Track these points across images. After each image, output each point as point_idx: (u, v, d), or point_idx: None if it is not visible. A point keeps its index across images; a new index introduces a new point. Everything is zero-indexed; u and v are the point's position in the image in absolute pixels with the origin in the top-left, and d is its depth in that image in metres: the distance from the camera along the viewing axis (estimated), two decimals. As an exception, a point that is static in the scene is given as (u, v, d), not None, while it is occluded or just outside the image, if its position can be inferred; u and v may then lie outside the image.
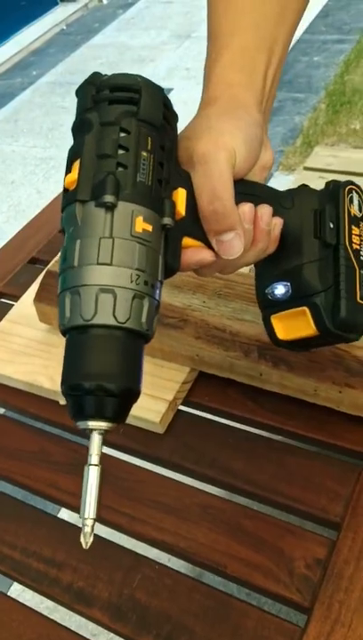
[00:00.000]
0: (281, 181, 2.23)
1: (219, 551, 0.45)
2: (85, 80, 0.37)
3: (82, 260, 0.32)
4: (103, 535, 0.48)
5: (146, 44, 3.40)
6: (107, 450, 0.54)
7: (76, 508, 0.50)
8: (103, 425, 0.33)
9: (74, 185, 0.33)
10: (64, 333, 0.34)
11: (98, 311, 0.32)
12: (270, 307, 0.44)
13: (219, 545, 0.45)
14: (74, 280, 0.33)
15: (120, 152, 0.33)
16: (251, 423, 0.53)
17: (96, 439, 0.33)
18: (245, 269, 0.61)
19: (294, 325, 0.42)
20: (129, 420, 0.54)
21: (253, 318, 0.52)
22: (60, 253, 0.34)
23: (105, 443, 0.54)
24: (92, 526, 0.32)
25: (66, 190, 0.34)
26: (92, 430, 0.33)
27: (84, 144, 0.34)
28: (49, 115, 2.99)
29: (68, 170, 0.34)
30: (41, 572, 0.46)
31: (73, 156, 0.34)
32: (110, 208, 0.33)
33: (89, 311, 0.32)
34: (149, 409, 0.53)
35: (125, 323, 0.32)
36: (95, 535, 0.48)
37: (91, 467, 0.33)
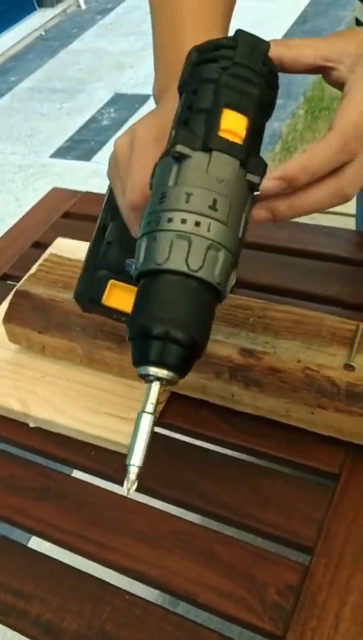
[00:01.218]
0: (261, 188, 2.23)
1: (191, 579, 0.44)
2: None
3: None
4: (72, 564, 0.47)
5: (125, 49, 3.40)
6: (76, 474, 0.53)
7: (47, 537, 0.49)
8: (164, 373, 0.32)
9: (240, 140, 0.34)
10: (137, 279, 0.34)
11: (171, 257, 0.32)
12: (116, 272, 0.47)
13: (191, 573, 0.44)
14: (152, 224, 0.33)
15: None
16: (224, 444, 0.52)
17: (155, 387, 0.33)
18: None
19: (128, 300, 0.42)
20: (99, 443, 0.53)
21: (223, 338, 0.52)
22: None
23: (75, 465, 0.53)
24: (137, 474, 0.32)
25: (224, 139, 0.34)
26: (151, 378, 0.32)
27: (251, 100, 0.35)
28: (28, 121, 2.98)
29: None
30: (8, 605, 0.45)
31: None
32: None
33: (163, 256, 0.32)
34: (120, 431, 0.52)
35: (197, 271, 0.32)
36: (64, 565, 0.47)
37: (145, 414, 0.33)
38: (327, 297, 0.62)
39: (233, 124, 0.34)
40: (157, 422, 0.33)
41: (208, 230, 0.33)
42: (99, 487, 0.51)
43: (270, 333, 0.52)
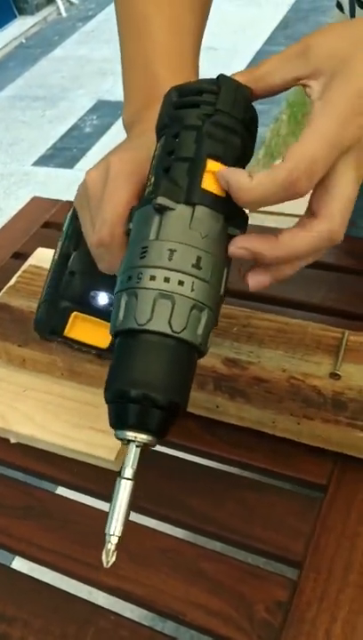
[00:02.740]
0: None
1: (178, 598, 0.43)
2: None
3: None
4: (56, 584, 0.46)
5: (106, 56, 3.39)
6: (59, 491, 0.52)
7: (31, 557, 0.48)
8: (143, 437, 0.32)
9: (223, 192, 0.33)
10: (115, 336, 0.33)
11: (153, 317, 0.31)
12: (79, 304, 0.46)
13: (178, 591, 0.43)
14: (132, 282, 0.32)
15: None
16: (210, 457, 0.51)
17: (133, 452, 0.32)
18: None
19: (90, 332, 0.42)
20: (82, 458, 0.52)
21: (208, 349, 0.51)
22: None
23: (58, 482, 0.52)
24: (116, 544, 0.31)
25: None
26: (130, 442, 0.32)
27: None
28: (9, 130, 2.96)
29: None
30: (-10, 629, 0.44)
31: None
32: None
33: (144, 316, 0.31)
34: (104, 446, 0.51)
35: (180, 333, 0.31)
36: (47, 585, 0.46)
37: (123, 480, 0.32)
38: (312, 304, 0.61)
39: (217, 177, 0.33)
40: (135, 488, 0.32)
41: (192, 290, 0.32)
42: (82, 504, 0.50)
43: (254, 342, 0.51)
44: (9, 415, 0.55)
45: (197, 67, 0.48)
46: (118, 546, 0.31)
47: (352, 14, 0.57)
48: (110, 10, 3.99)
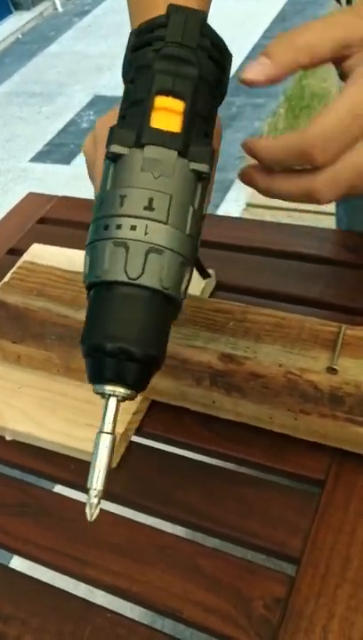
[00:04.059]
0: (243, 187, 2.23)
1: (175, 595, 0.43)
2: None
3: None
4: (53, 583, 0.45)
5: (103, 51, 3.38)
6: (56, 488, 0.52)
7: (27, 555, 0.47)
8: (121, 391, 0.31)
9: (177, 128, 0.32)
10: (89, 288, 0.32)
11: (110, 267, 0.31)
12: None
13: (175, 588, 0.43)
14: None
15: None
16: (207, 453, 0.51)
17: (112, 405, 0.32)
18: (196, 291, 0.59)
19: None
20: (77, 455, 0.52)
21: (203, 343, 0.50)
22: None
23: (55, 479, 0.51)
24: (99, 498, 0.31)
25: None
26: (108, 396, 0.32)
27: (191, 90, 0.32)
28: (6, 125, 2.95)
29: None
30: (-13, 627, 0.44)
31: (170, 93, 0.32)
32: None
33: (103, 267, 0.31)
34: (101, 443, 0.51)
35: (137, 279, 0.30)
36: (44, 584, 0.46)
37: (103, 434, 0.32)
38: (310, 299, 0.61)
39: (166, 112, 0.32)
40: (114, 441, 0.32)
41: (146, 233, 0.31)
42: (79, 502, 0.49)
43: (250, 337, 0.51)
44: (5, 412, 0.54)
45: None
46: (101, 498, 0.32)
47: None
48: (107, 5, 3.97)
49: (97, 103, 3.01)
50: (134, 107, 0.33)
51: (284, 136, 0.32)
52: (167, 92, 0.32)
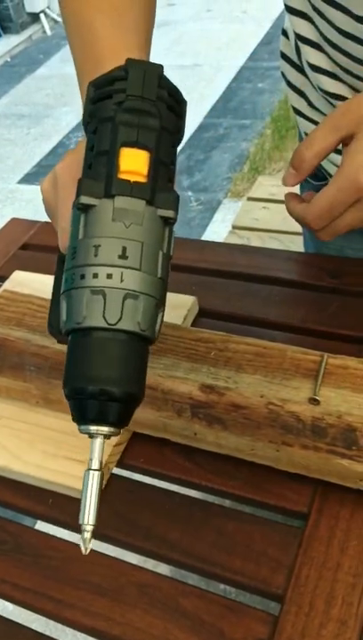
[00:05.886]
0: (230, 208, 2.24)
1: (156, 637, 0.41)
2: None
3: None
4: (27, 624, 0.44)
5: (91, 74, 3.40)
6: (40, 525, 0.50)
7: (4, 596, 0.46)
8: (105, 430, 0.33)
9: (143, 178, 0.33)
10: (67, 333, 0.34)
11: (88, 314, 0.32)
12: None
13: (156, 629, 0.42)
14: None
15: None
16: (188, 485, 0.50)
17: (98, 443, 0.33)
18: (178, 319, 0.59)
19: None
20: (57, 489, 0.50)
21: (184, 374, 0.50)
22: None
23: (32, 514, 0.50)
24: (92, 532, 0.33)
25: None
26: (93, 435, 0.33)
27: (155, 140, 0.33)
28: (-6, 148, 2.95)
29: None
30: None
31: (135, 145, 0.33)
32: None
33: (80, 314, 0.32)
34: (80, 476, 0.49)
35: (116, 324, 0.32)
36: (19, 626, 0.44)
37: (91, 471, 0.33)
38: (292, 325, 0.60)
39: (133, 163, 0.33)
40: (102, 477, 0.33)
41: (121, 280, 0.32)
42: (57, 538, 0.48)
43: (232, 367, 0.50)
44: (-18, 445, 0.53)
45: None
46: (93, 533, 0.33)
47: None
48: (95, 28, 4.01)
49: (85, 125, 3.02)
50: (100, 157, 0.34)
51: (299, 206, 0.47)
52: (132, 144, 0.33)
